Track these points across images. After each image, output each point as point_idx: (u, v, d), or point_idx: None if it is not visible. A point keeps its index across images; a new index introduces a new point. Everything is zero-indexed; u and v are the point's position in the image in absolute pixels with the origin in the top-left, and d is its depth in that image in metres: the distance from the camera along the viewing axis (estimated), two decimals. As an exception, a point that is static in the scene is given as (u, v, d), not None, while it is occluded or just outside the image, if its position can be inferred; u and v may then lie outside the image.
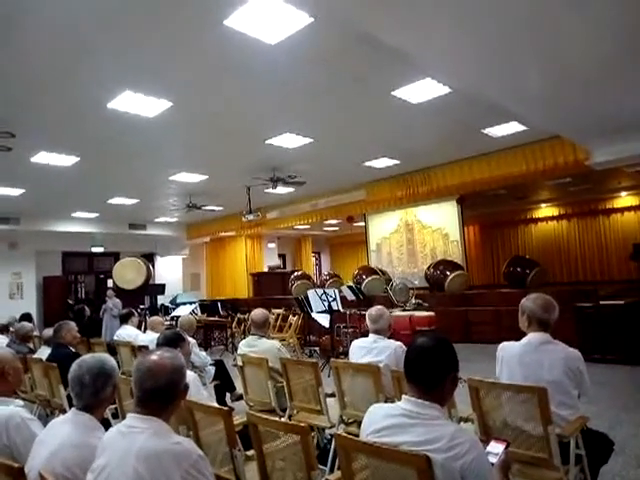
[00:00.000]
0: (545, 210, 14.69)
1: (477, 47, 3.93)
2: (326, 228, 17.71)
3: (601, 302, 6.98)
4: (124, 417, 3.20)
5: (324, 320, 7.23)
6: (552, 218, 14.62)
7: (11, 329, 5.52)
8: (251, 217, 9.77)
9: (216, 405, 2.90)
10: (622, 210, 13.34)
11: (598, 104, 5.39)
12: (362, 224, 13.45)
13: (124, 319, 5.82)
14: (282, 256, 18.75)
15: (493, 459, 1.67)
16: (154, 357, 1.63)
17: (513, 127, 6.95)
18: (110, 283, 12.07)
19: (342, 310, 7.23)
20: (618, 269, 13.03)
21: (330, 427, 3.20)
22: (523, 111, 5.80)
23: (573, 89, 4.92)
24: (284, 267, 17.91)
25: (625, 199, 13.21)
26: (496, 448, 1.72)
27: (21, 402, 2.33)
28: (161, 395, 1.59)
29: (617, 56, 4.14)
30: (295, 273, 13.02)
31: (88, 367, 1.89)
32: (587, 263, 13.82)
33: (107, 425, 2.64)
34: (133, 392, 1.62)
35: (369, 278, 10.59)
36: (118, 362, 5.14)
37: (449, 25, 3.56)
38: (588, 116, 5.80)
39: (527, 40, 3.82)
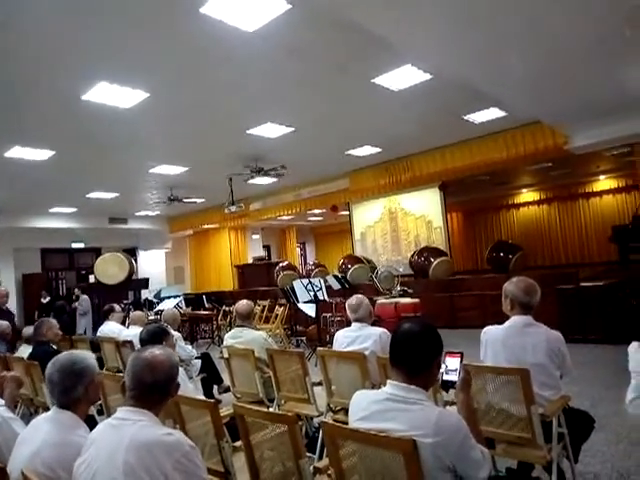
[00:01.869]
0: (526, 195, 14.89)
1: (457, 32, 3.93)
2: (310, 218, 17.69)
3: (582, 284, 7.12)
4: (110, 413, 3.17)
5: (310, 310, 7.24)
6: (533, 203, 14.83)
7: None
8: (234, 209, 9.68)
9: (202, 398, 2.88)
10: (601, 193, 13.59)
11: (577, 89, 5.46)
12: (346, 213, 13.46)
13: (105, 315, 5.74)
14: (267, 247, 18.70)
15: (453, 376, 1.75)
16: (151, 353, 1.65)
17: (493, 113, 7.00)
18: (92, 279, 11.90)
19: (328, 300, 7.24)
20: (598, 251, 13.30)
21: (318, 415, 3.21)
22: (503, 96, 5.85)
23: (553, 74, 4.96)
24: (269, 258, 17.87)
25: (604, 182, 13.46)
26: (453, 363, 1.79)
27: (1, 401, 2.29)
28: (159, 389, 1.61)
29: (597, 41, 4.18)
30: (280, 264, 12.98)
31: (59, 366, 1.85)
32: (568, 246, 14.08)
33: (93, 422, 2.61)
34: (126, 386, 1.61)
35: (354, 267, 10.63)
36: (102, 358, 5.09)
37: (429, 11, 3.55)
38: (567, 101, 5.87)
39: (508, 25, 3.84)
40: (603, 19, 3.77)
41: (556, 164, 10.49)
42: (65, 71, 4.50)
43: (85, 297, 10.51)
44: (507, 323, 2.53)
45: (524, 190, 14.74)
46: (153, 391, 1.60)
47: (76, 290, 11.24)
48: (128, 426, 1.51)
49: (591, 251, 13.60)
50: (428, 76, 5.29)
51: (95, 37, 3.94)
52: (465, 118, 7.11)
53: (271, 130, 6.93)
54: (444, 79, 5.38)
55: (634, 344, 2.12)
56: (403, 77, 5.29)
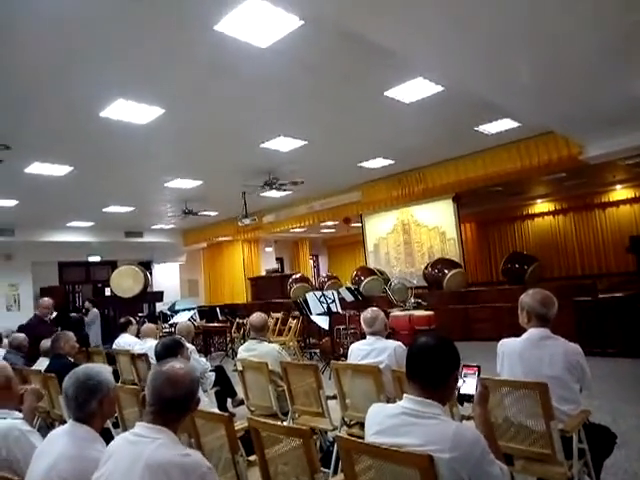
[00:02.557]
0: (541, 205, 14.72)
1: (468, 44, 3.93)
2: (323, 230, 17.71)
3: (600, 296, 6.99)
4: (125, 426, 3.18)
5: (323, 322, 7.22)
6: (548, 213, 14.65)
7: (5, 340, 5.48)
8: (247, 221, 9.75)
9: (217, 411, 2.88)
10: (617, 203, 13.37)
11: (590, 98, 5.41)
12: (359, 225, 13.45)
13: (122, 328, 5.79)
14: (280, 259, 18.73)
15: (470, 389, 1.74)
16: (171, 367, 1.63)
17: (506, 124, 6.97)
18: (108, 292, 12.03)
19: (341, 312, 7.22)
20: (616, 262, 13.05)
21: (332, 429, 3.18)
22: (515, 107, 5.82)
23: (565, 83, 4.93)
24: (282, 270, 17.89)
25: (620, 192, 13.25)
26: (470, 377, 1.78)
27: (20, 414, 2.31)
28: (179, 405, 1.59)
29: (608, 50, 4.15)
30: (293, 276, 12.99)
31: (73, 380, 1.86)
32: (585, 257, 13.85)
33: (108, 434, 2.62)
34: (146, 401, 1.61)
35: (367, 279, 10.58)
36: (117, 371, 5.13)
37: (439, 24, 3.56)
38: (580, 110, 5.82)
39: (518, 36, 3.83)
40: (612, 28, 3.75)
41: (570, 174, 10.37)
42: (84, 88, 4.61)
43: (95, 311, 10.56)
44: (524, 336, 2.50)
45: (539, 200, 14.58)
46: (172, 406, 1.58)
47: (86, 303, 11.29)
48: (145, 444, 1.50)
49: (608, 262, 13.35)
50: (440, 88, 5.30)
51: (113, 55, 4.03)
52: (477, 129, 7.09)
53: (284, 143, 6.99)
54: (455, 91, 5.39)
55: None
56: (415, 89, 5.31)
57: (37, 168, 6.99)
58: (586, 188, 12.81)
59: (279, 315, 9.26)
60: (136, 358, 4.85)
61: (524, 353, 2.44)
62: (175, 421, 1.60)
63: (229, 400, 5.02)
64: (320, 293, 7.14)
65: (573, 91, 5.14)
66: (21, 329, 6.11)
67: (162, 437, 1.52)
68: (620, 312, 6.49)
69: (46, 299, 6.39)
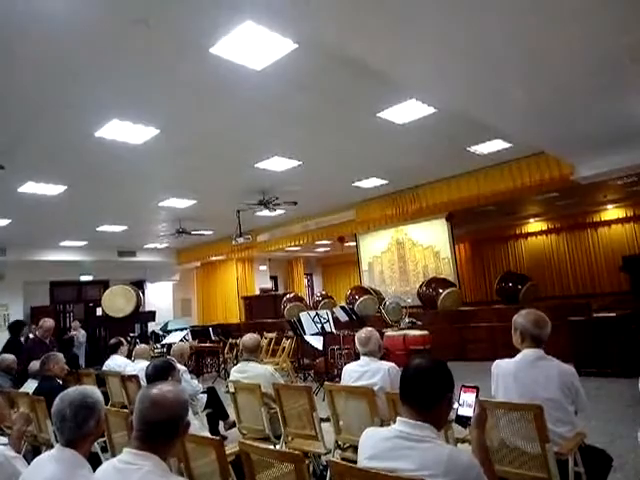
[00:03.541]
0: (534, 225, 14.84)
1: (460, 67, 4.01)
2: (317, 249, 17.71)
3: (594, 315, 6.99)
4: (114, 450, 3.11)
5: (317, 342, 7.16)
6: (541, 233, 14.76)
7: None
8: (241, 240, 9.74)
9: (207, 435, 2.83)
10: (609, 223, 13.51)
11: (581, 119, 5.51)
12: (353, 244, 13.47)
13: (113, 349, 5.70)
14: (274, 278, 18.67)
15: (469, 411, 1.72)
16: (158, 390, 1.58)
17: (498, 144, 7.06)
18: (99, 312, 11.89)
19: (335, 332, 7.17)
20: (609, 281, 13.12)
21: (326, 453, 3.13)
22: (507, 128, 5.91)
23: (555, 105, 5.02)
24: (276, 289, 17.81)
25: (612, 212, 13.40)
26: (468, 398, 1.76)
27: (5, 439, 2.26)
28: (164, 429, 1.53)
29: (599, 72, 4.25)
30: (287, 295, 12.93)
31: (70, 400, 1.84)
32: (578, 276, 13.91)
33: (96, 460, 2.56)
34: (134, 425, 1.57)
35: (362, 298, 10.55)
36: (107, 393, 5.03)
37: (432, 47, 3.64)
38: (571, 132, 5.92)
39: (510, 59, 3.91)
40: (604, 50, 3.84)
41: (563, 194, 10.49)
42: (80, 109, 4.64)
43: (83, 332, 10.43)
44: (518, 357, 2.49)
45: (531, 220, 14.70)
46: (158, 431, 1.52)
47: (74, 324, 11.10)
48: (132, 472, 1.46)
49: (602, 281, 13.41)
50: (432, 110, 5.39)
51: (109, 76, 4.07)
52: (470, 150, 7.18)
53: (278, 164, 7.04)
54: (448, 112, 5.47)
55: None
56: (408, 111, 5.39)
57: (31, 187, 6.98)
58: (578, 208, 12.96)
59: (273, 335, 9.17)
60: (126, 380, 4.76)
61: (519, 374, 2.42)
62: (163, 446, 1.54)
63: (221, 423, 4.93)
64: (314, 313, 7.10)
65: (564, 113, 5.24)
66: (18, 349, 5.99)
67: (148, 464, 1.47)
68: (615, 332, 6.48)
69: (48, 320, 6.13)
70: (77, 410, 1.82)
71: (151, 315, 13.20)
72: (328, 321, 6.87)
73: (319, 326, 6.89)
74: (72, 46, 3.58)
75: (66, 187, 7.15)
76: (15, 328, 6.81)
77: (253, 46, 3.71)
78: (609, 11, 3.26)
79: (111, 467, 1.54)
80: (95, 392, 1.95)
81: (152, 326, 12.63)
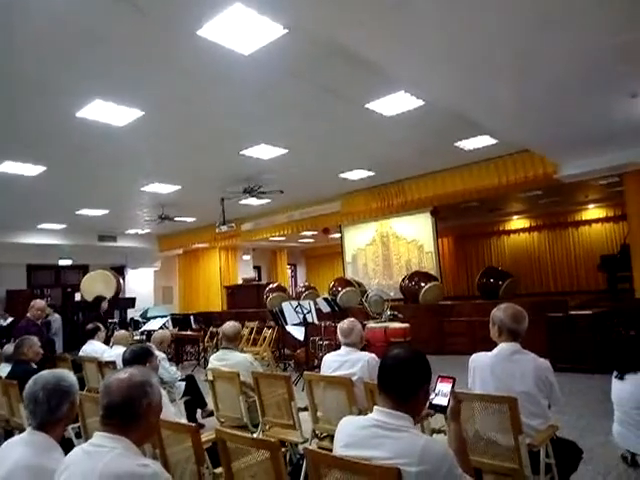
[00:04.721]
0: (517, 222, 15.04)
1: (450, 62, 4.01)
2: (302, 240, 17.68)
3: (571, 312, 7.12)
4: (88, 436, 3.07)
5: (299, 333, 7.15)
6: (524, 230, 14.97)
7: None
8: (225, 228, 9.65)
9: (184, 422, 2.81)
10: (590, 222, 13.78)
11: (566, 120, 5.57)
12: (338, 236, 13.47)
13: (90, 334, 5.62)
14: (257, 268, 18.60)
15: (443, 400, 1.75)
16: (117, 374, 1.59)
17: (484, 140, 7.10)
18: (78, 297, 11.69)
19: (317, 322, 7.17)
20: (587, 280, 13.40)
21: (303, 442, 3.13)
22: (493, 125, 5.95)
23: (542, 105, 5.07)
24: (259, 279, 17.75)
25: (592, 211, 13.66)
26: (444, 387, 1.79)
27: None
28: (118, 412, 1.51)
29: (586, 74, 4.29)
30: (270, 285, 12.89)
31: (43, 383, 1.81)
32: (557, 274, 14.17)
33: (69, 445, 2.52)
34: None
35: (345, 290, 10.57)
36: (83, 379, 4.96)
37: (423, 40, 3.62)
38: (556, 131, 5.98)
39: (500, 56, 3.92)
40: (592, 52, 3.87)
41: (546, 192, 10.64)
42: (61, 88, 4.51)
43: (57, 316, 10.19)
44: (495, 350, 2.51)
45: (515, 217, 14.90)
46: (112, 414, 1.51)
47: (47, 309, 10.89)
48: (102, 454, 1.44)
49: (580, 279, 13.70)
50: (421, 102, 5.37)
51: (93, 56, 3.96)
52: (456, 145, 7.21)
53: (265, 151, 6.97)
54: (436, 106, 5.47)
55: (616, 374, 2.11)
56: (396, 103, 5.37)
57: (9, 167, 6.79)
58: (560, 206, 13.17)
59: (254, 325, 9.15)
60: (103, 366, 4.71)
61: (496, 368, 2.45)
62: (125, 428, 1.50)
63: (199, 411, 4.91)
64: (296, 303, 7.08)
65: (550, 112, 5.28)
66: (11, 330, 5.86)
67: (120, 447, 1.46)
68: (590, 329, 6.62)
69: (39, 301, 6.00)
70: (51, 393, 1.80)
71: (131, 302, 13.05)
72: (310, 312, 6.86)
73: (301, 316, 6.88)
74: (55, 26, 3.47)
75: (45, 168, 6.97)
76: None
77: (242, 29, 3.63)
78: (596, 12, 3.28)
79: (81, 450, 1.53)
80: (70, 376, 1.94)
81: (132, 312, 12.49)
